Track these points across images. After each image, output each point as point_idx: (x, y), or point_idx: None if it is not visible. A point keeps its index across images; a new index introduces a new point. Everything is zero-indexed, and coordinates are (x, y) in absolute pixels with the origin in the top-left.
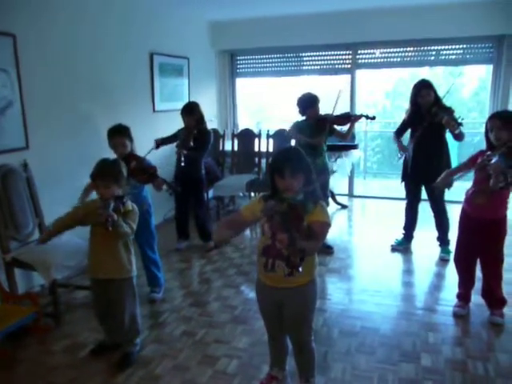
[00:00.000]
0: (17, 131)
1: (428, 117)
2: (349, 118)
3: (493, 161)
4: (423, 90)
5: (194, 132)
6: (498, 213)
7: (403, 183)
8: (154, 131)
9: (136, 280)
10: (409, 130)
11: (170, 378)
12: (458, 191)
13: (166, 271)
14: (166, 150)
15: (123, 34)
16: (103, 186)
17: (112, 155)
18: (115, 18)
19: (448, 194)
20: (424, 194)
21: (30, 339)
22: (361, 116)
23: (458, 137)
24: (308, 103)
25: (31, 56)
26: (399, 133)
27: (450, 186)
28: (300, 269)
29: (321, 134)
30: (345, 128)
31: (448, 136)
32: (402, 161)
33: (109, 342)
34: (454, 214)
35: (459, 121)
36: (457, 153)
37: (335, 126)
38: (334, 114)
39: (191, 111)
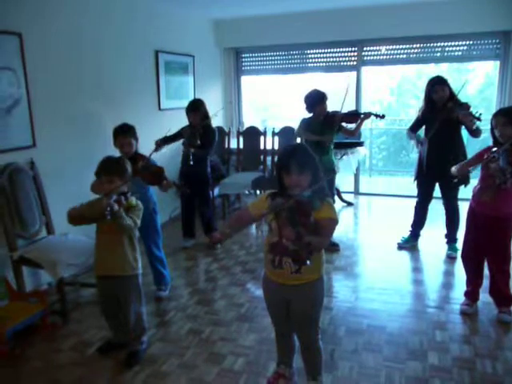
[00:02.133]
0: (24, 130)
1: (443, 113)
2: (357, 115)
3: (496, 157)
4: (437, 86)
5: (200, 130)
6: (505, 210)
7: (416, 181)
8: (159, 129)
9: (142, 278)
10: (423, 128)
11: (177, 375)
12: (466, 188)
13: (172, 269)
14: (170, 150)
15: (128, 32)
16: (107, 181)
17: (118, 153)
18: (120, 16)
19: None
20: (436, 193)
21: (37, 337)
22: (370, 114)
23: (475, 133)
24: (316, 100)
25: (37, 55)
26: (413, 130)
27: (466, 182)
28: (308, 262)
29: (330, 130)
30: (351, 125)
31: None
32: (408, 157)
33: (116, 340)
34: (462, 211)
35: (477, 115)
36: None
37: (343, 124)
38: (343, 111)
39: (196, 108)
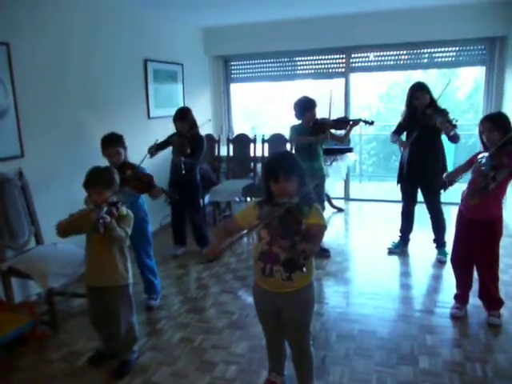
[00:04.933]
0: (12, 140)
1: (423, 119)
2: (347, 122)
3: (482, 162)
4: (418, 92)
5: (188, 138)
6: (492, 213)
7: (399, 186)
8: (149, 138)
9: (133, 287)
10: (405, 133)
11: None
12: (454, 193)
13: (163, 278)
14: (159, 158)
15: (116, 40)
16: (96, 192)
17: (107, 162)
18: (108, 26)
19: (444, 196)
20: (420, 197)
21: (27, 348)
22: (359, 120)
23: (453, 139)
24: (305, 107)
25: (25, 64)
26: (395, 133)
27: (446, 186)
28: (304, 269)
29: (321, 137)
30: (340, 132)
31: (444, 138)
32: (397, 162)
33: (106, 350)
34: (450, 215)
35: (453, 122)
36: (453, 154)
37: (332, 130)
38: (332, 118)
39: (184, 117)
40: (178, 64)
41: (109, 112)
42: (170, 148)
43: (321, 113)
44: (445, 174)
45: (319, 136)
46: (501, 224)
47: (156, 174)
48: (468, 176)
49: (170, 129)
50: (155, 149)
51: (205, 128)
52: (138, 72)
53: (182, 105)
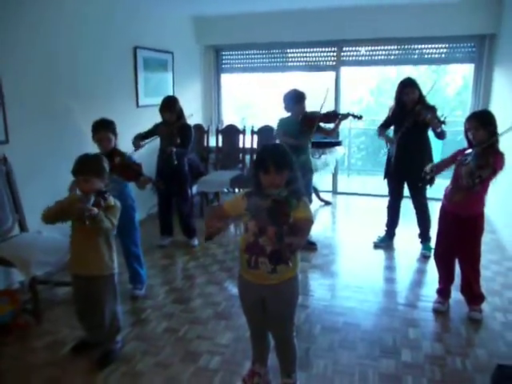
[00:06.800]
0: None
1: (412, 115)
2: (336, 116)
3: (467, 160)
4: (407, 87)
5: (177, 127)
6: (475, 209)
7: (386, 181)
8: (137, 127)
9: (118, 277)
10: (392, 127)
11: (152, 374)
12: (438, 188)
13: (149, 268)
14: (147, 148)
15: (106, 27)
16: (84, 180)
17: (94, 150)
18: (98, 12)
19: (429, 191)
20: (406, 192)
21: (9, 337)
22: (348, 115)
23: (440, 135)
24: (295, 99)
25: (11, 49)
26: (383, 127)
27: (432, 182)
28: (290, 263)
29: (307, 131)
30: (329, 125)
31: (430, 135)
32: (385, 157)
33: (90, 339)
34: (435, 210)
35: (442, 119)
36: (441, 150)
37: (321, 123)
38: (321, 111)
39: (172, 107)
40: (169, 52)
41: (97, 99)
42: (155, 137)
43: (311, 105)
44: (429, 166)
45: (300, 140)
46: (483, 220)
47: (143, 163)
48: (451, 171)
49: (159, 118)
50: (138, 140)
51: (193, 118)
52: (127, 60)
53: (171, 94)
